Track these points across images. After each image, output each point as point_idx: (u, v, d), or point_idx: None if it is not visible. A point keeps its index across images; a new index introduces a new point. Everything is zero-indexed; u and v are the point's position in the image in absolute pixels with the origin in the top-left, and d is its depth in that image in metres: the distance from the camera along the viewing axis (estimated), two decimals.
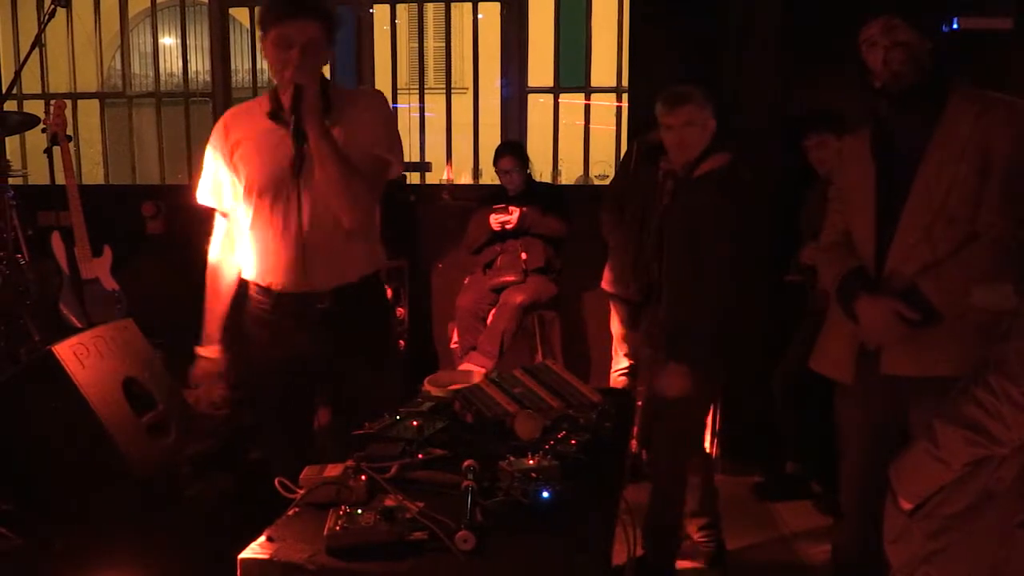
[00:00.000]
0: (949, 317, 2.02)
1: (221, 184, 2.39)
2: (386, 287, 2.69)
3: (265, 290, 2.36)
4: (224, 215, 2.44)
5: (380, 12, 5.11)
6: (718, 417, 3.98)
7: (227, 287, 2.46)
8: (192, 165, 5.24)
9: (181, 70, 5.35)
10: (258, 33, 2.26)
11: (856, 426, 2.28)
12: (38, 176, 4.74)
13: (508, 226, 4.20)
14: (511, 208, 4.20)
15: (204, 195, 2.43)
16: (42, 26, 3.58)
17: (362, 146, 2.27)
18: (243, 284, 2.47)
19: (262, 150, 2.29)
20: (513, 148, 4.36)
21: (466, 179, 5.22)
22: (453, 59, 5.03)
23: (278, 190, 2.27)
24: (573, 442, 1.86)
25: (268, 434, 2.53)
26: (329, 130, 2.18)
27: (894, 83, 2.08)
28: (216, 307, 2.45)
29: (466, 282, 4.43)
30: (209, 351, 2.45)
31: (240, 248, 2.42)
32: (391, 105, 2.52)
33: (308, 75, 2.15)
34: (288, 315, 2.34)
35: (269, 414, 2.48)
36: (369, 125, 2.31)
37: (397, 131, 2.40)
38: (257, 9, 2.29)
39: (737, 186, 2.70)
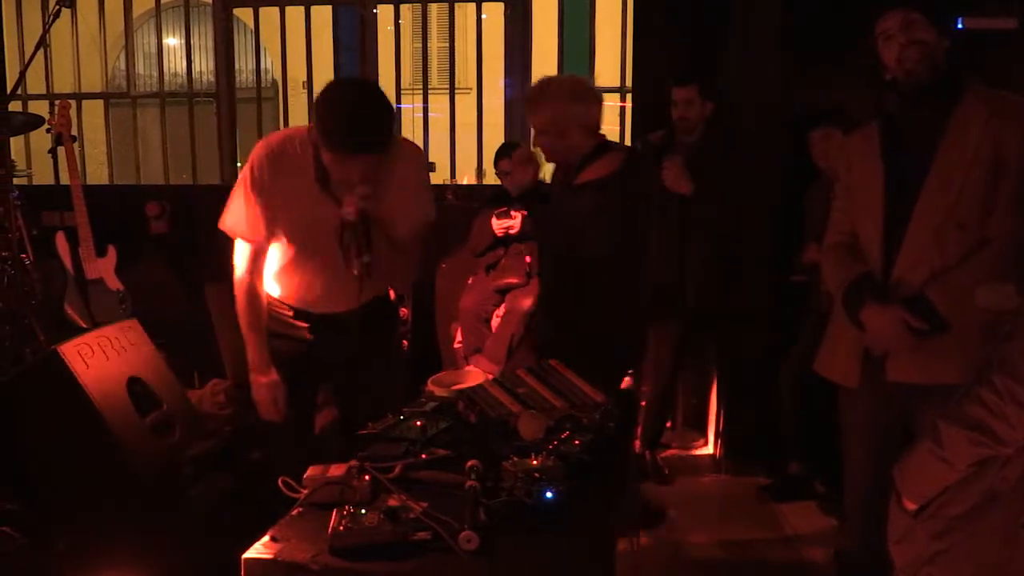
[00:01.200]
0: (956, 325, 2.00)
1: (255, 220, 2.30)
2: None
3: (291, 307, 2.42)
4: (252, 244, 2.36)
5: (384, 12, 5.11)
6: (721, 418, 3.98)
7: (263, 310, 2.40)
8: (197, 165, 5.25)
9: (185, 70, 5.36)
10: (318, 134, 2.13)
11: (860, 428, 2.26)
12: (43, 176, 4.75)
13: (512, 231, 4.20)
14: (513, 213, 4.19)
15: (235, 226, 2.33)
16: (47, 26, 3.58)
17: (407, 213, 2.29)
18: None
19: (307, 209, 2.25)
20: (513, 149, 4.35)
21: (470, 179, 5.22)
22: (457, 59, 5.03)
23: (317, 250, 2.30)
24: (576, 442, 1.86)
25: (272, 433, 2.54)
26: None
27: (907, 81, 2.06)
28: (260, 331, 2.38)
29: (469, 282, 4.43)
30: (267, 375, 2.37)
31: (268, 268, 2.41)
32: (423, 160, 2.49)
33: (371, 204, 2.17)
34: (308, 324, 2.41)
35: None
36: (413, 191, 2.32)
37: (429, 184, 2.44)
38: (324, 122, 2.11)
39: (623, 195, 2.44)
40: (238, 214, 2.31)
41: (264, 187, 2.26)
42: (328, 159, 2.14)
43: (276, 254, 2.38)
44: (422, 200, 2.35)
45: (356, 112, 2.08)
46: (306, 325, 2.43)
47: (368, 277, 2.23)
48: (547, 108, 2.41)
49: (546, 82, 2.47)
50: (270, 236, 2.33)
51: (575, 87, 2.44)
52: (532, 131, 2.46)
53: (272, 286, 2.44)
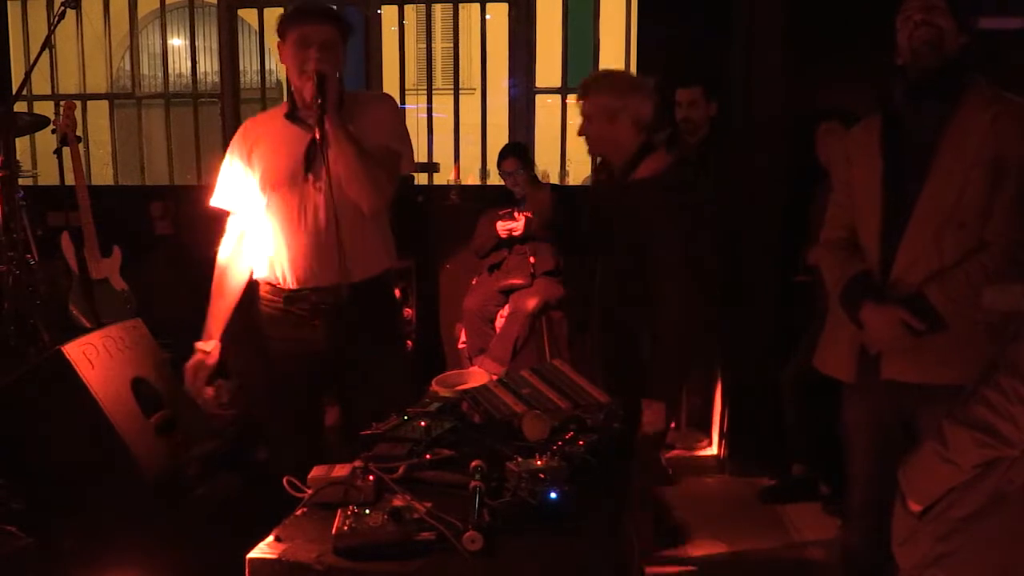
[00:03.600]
0: (952, 326, 2.01)
1: (237, 186, 2.45)
2: (394, 287, 2.71)
3: (279, 289, 2.41)
4: (236, 217, 2.49)
5: (388, 13, 5.12)
6: (726, 419, 3.97)
7: (234, 287, 2.50)
8: (201, 166, 5.26)
9: (190, 71, 5.37)
10: (276, 41, 2.38)
11: (859, 425, 2.26)
12: (48, 177, 4.76)
13: (515, 233, 4.20)
14: (517, 214, 4.20)
15: (219, 197, 2.48)
16: (52, 27, 3.59)
17: (374, 139, 2.35)
18: (253, 285, 2.49)
19: (278, 146, 2.38)
20: (516, 150, 4.35)
21: (474, 180, 5.22)
22: (461, 60, 5.04)
23: (293, 183, 2.34)
24: (581, 443, 1.86)
25: (277, 433, 2.54)
26: (344, 121, 2.28)
27: (913, 65, 2.05)
28: (220, 305, 2.49)
29: (473, 283, 4.43)
30: (206, 345, 2.49)
31: (253, 249, 2.46)
32: (399, 106, 2.58)
33: (329, 68, 2.28)
34: (301, 311, 2.39)
35: (279, 413, 2.51)
36: (380, 121, 2.42)
37: (406, 128, 2.50)
38: (276, 18, 2.39)
39: (681, 192, 2.39)
40: (222, 184, 2.47)
41: (241, 147, 2.43)
42: (289, 44, 2.31)
43: (261, 228, 2.42)
44: (390, 132, 2.42)
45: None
46: (305, 313, 2.39)
47: (335, 189, 2.25)
48: (602, 94, 2.40)
49: (603, 71, 2.52)
50: (252, 199, 2.41)
51: (632, 78, 2.48)
52: (581, 120, 2.45)
53: (260, 266, 2.45)
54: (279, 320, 2.42)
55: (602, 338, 2.54)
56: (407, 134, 2.49)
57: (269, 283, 2.44)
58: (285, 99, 2.46)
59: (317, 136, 2.22)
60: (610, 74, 2.49)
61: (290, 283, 2.39)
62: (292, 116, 2.39)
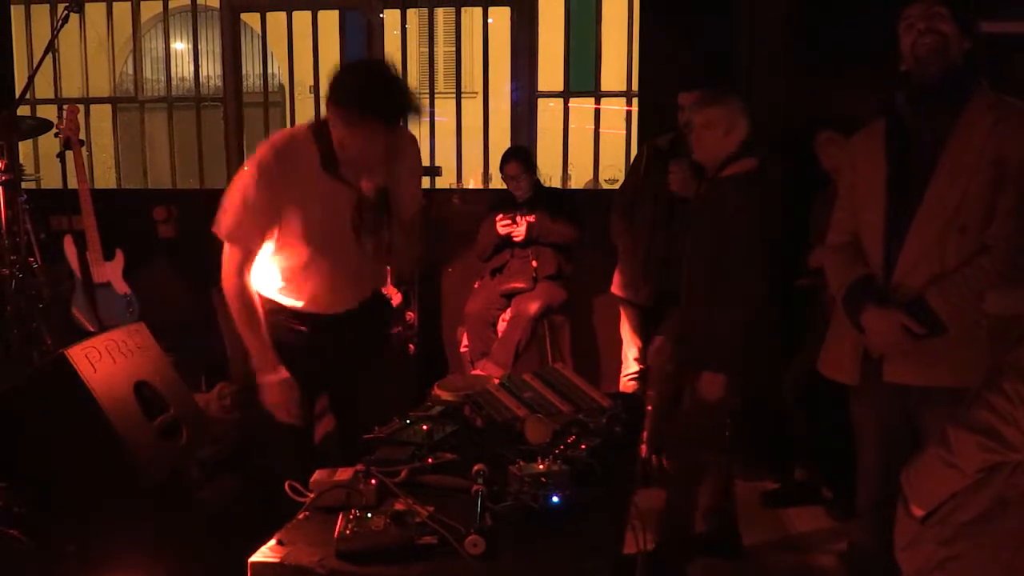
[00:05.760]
0: (954, 329, 2.01)
1: (258, 226, 2.27)
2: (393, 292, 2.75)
3: (288, 309, 2.41)
4: (248, 251, 2.31)
5: (391, 16, 5.13)
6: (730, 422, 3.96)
7: (259, 310, 2.35)
8: (204, 169, 5.26)
9: (193, 75, 5.38)
10: (342, 110, 2.15)
11: (868, 427, 2.27)
12: (51, 180, 4.77)
13: (517, 238, 4.20)
14: (519, 219, 4.19)
15: (235, 233, 2.26)
16: (55, 32, 3.60)
17: (410, 190, 2.39)
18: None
19: (321, 201, 2.27)
20: (519, 153, 4.35)
21: (476, 184, 5.23)
22: (463, 63, 5.04)
23: (328, 241, 2.31)
24: (583, 447, 1.86)
25: (273, 442, 2.54)
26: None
27: (918, 71, 2.05)
28: (260, 330, 2.32)
29: (476, 286, 4.43)
30: (277, 374, 2.31)
31: (260, 271, 2.38)
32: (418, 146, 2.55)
33: (386, 166, 2.24)
34: (310, 328, 2.41)
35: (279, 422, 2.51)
36: (414, 170, 2.45)
37: None
38: (337, 79, 2.17)
39: (762, 188, 2.73)
40: (237, 217, 2.24)
41: (272, 183, 2.22)
42: (352, 134, 2.14)
43: (284, 262, 2.35)
44: (420, 185, 2.50)
45: (392, 81, 2.15)
46: (305, 328, 2.40)
47: (384, 256, 2.30)
48: (726, 106, 2.75)
49: (718, 91, 2.87)
50: (265, 239, 2.29)
51: (741, 101, 2.82)
52: (695, 126, 2.79)
53: (276, 294, 2.42)
54: (282, 332, 2.40)
55: (681, 314, 2.89)
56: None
57: (277, 303, 2.41)
58: (309, 132, 2.27)
59: (371, 248, 2.27)
60: (732, 92, 2.85)
61: (304, 308, 2.40)
62: (329, 168, 2.25)
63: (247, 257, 2.28)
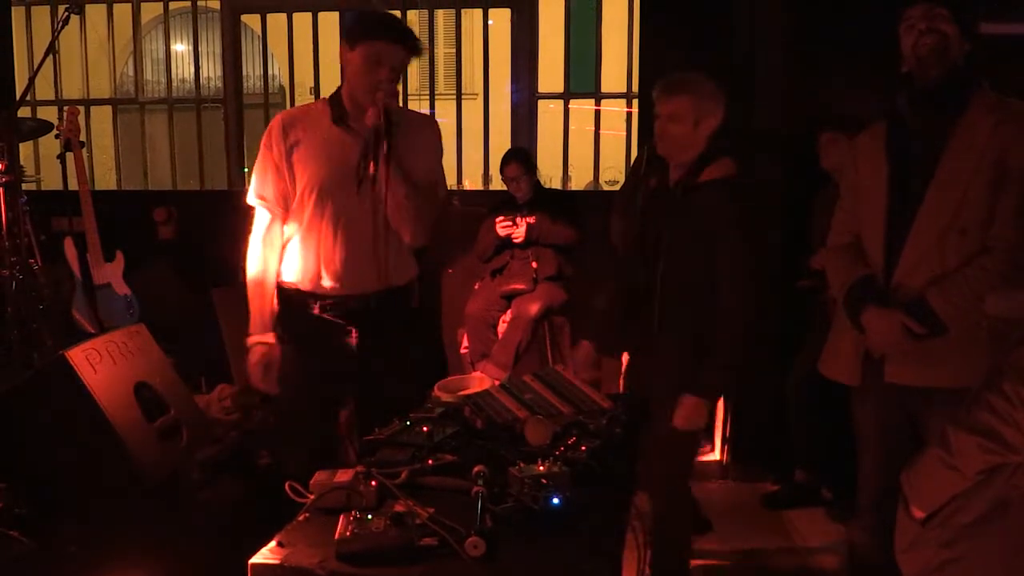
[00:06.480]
0: (953, 330, 2.02)
1: (275, 182, 2.39)
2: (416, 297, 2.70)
3: (310, 294, 2.40)
4: (266, 214, 2.42)
5: None
6: (728, 423, 3.97)
7: (272, 279, 2.43)
8: (204, 170, 5.27)
9: (193, 76, 5.39)
10: (342, 43, 2.32)
11: (870, 427, 2.28)
12: (51, 182, 4.77)
13: (517, 239, 4.20)
14: (519, 220, 4.19)
15: (256, 193, 2.41)
16: (56, 33, 3.61)
17: (422, 166, 2.39)
18: (282, 292, 2.46)
19: (325, 153, 2.35)
20: (519, 155, 4.35)
21: (476, 185, 5.23)
22: (463, 65, 5.05)
23: (338, 193, 2.33)
24: (583, 448, 1.86)
25: (293, 438, 2.54)
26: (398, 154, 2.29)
27: (919, 72, 2.06)
28: (266, 296, 2.41)
29: (476, 288, 4.43)
30: (265, 337, 2.40)
31: (284, 250, 2.43)
32: (441, 139, 2.60)
33: (394, 95, 2.29)
34: (336, 318, 2.40)
35: (297, 418, 2.51)
36: (428, 149, 2.46)
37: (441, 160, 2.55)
38: (346, 18, 2.41)
39: (748, 199, 2.44)
40: (257, 178, 2.41)
41: (279, 145, 2.36)
42: (358, 56, 2.25)
43: (300, 230, 2.38)
44: (439, 170, 2.50)
45: (392, 15, 2.46)
46: (341, 319, 2.41)
47: (383, 208, 2.28)
48: (688, 95, 2.41)
49: (685, 75, 2.48)
50: (289, 199, 2.38)
51: (713, 86, 2.46)
52: (658, 117, 2.45)
53: (291, 270, 2.42)
54: (312, 328, 2.41)
55: (661, 339, 2.46)
56: (443, 172, 2.55)
57: (301, 289, 2.41)
58: (325, 99, 2.41)
59: (372, 169, 2.25)
60: (699, 79, 2.45)
61: (327, 288, 2.38)
62: (341, 122, 2.35)
63: (270, 222, 2.41)
